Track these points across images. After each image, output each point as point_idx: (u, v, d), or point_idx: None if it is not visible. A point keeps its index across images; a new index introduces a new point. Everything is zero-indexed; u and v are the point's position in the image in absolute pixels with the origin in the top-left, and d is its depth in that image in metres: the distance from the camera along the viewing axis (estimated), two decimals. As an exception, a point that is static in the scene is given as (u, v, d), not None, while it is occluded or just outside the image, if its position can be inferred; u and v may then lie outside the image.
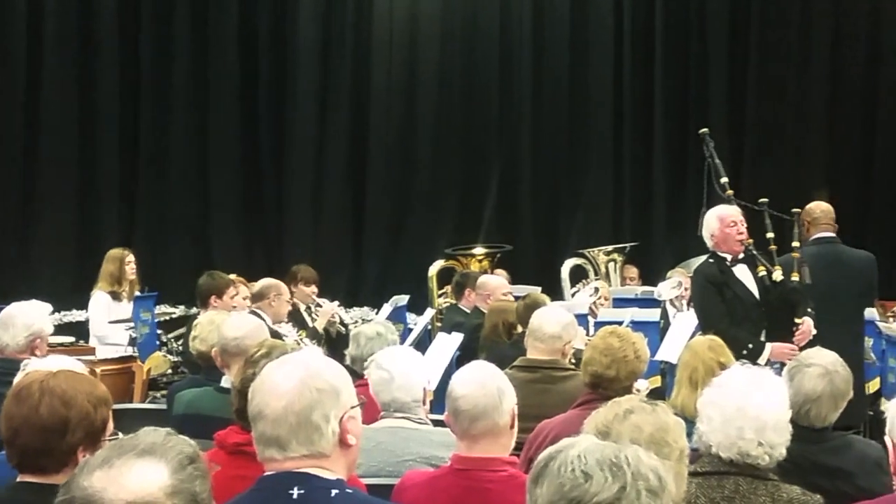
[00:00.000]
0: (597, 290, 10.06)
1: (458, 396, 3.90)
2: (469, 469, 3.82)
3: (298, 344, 6.41)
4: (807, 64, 13.96)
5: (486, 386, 3.86)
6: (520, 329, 7.68)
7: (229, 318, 5.89)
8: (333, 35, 14.00)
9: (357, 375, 5.78)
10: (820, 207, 7.94)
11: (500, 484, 3.74)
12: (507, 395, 3.89)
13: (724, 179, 7.70)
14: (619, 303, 9.74)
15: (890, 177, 13.77)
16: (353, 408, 2.92)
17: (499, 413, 3.84)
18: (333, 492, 2.79)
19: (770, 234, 7.37)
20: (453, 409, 3.91)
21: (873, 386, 8.54)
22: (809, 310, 7.06)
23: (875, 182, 13.83)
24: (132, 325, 9.16)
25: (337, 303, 10.04)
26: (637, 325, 7.92)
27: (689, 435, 3.85)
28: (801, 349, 6.40)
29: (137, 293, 9.76)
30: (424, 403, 4.83)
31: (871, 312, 8.64)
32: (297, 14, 13.88)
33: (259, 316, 7.67)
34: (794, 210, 7.67)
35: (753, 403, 3.82)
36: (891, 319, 9.74)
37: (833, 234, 7.87)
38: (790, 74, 13.95)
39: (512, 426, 3.90)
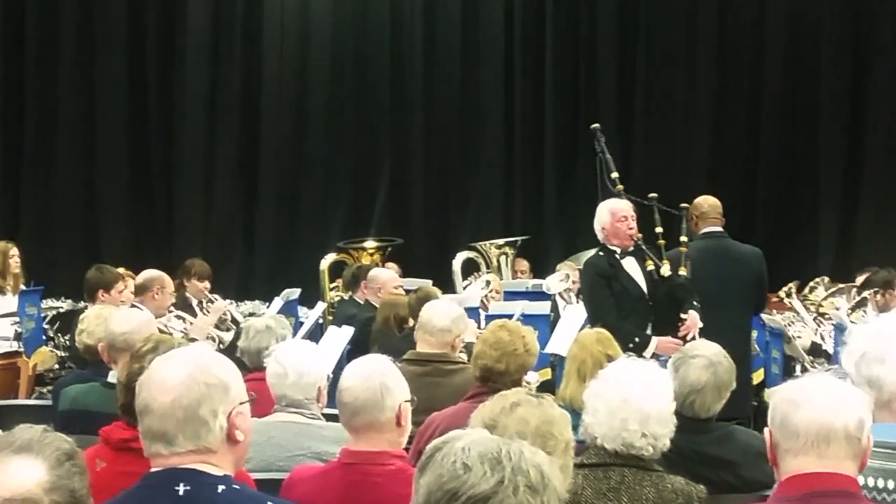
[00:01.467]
0: (488, 283, 10.11)
1: (342, 389, 3.90)
2: (357, 463, 3.81)
3: (185, 338, 6.35)
4: (694, 63, 14.17)
5: (370, 380, 3.84)
6: (411, 322, 7.68)
7: (117, 313, 5.81)
8: (223, 28, 13.90)
9: (247, 369, 5.76)
10: (708, 202, 8.04)
11: (388, 477, 3.73)
12: (391, 392, 3.85)
13: (615, 174, 7.79)
14: (510, 296, 9.77)
15: (773, 174, 14.04)
16: (241, 403, 2.89)
17: (379, 409, 3.81)
18: (220, 488, 2.77)
19: (659, 229, 7.47)
20: (338, 400, 3.91)
21: (757, 377, 8.69)
22: (695, 304, 7.16)
23: (759, 179, 14.08)
24: (17, 319, 8.99)
25: (229, 301, 9.95)
26: (527, 319, 7.95)
27: (577, 427, 3.90)
28: (687, 342, 6.49)
29: (23, 287, 9.57)
30: (319, 400, 4.82)
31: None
32: (185, 7, 13.74)
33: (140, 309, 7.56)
34: (682, 205, 7.77)
35: (637, 395, 3.86)
36: (773, 310, 9.92)
37: (721, 229, 7.98)
38: (678, 71, 14.15)
39: (400, 423, 3.88)
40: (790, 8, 14.07)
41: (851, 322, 7.88)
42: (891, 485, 3.11)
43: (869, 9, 13.92)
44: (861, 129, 13.88)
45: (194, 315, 9.42)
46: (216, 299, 9.73)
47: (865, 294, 8.52)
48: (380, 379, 3.86)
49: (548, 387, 6.93)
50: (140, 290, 8.72)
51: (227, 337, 9.21)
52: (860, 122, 13.89)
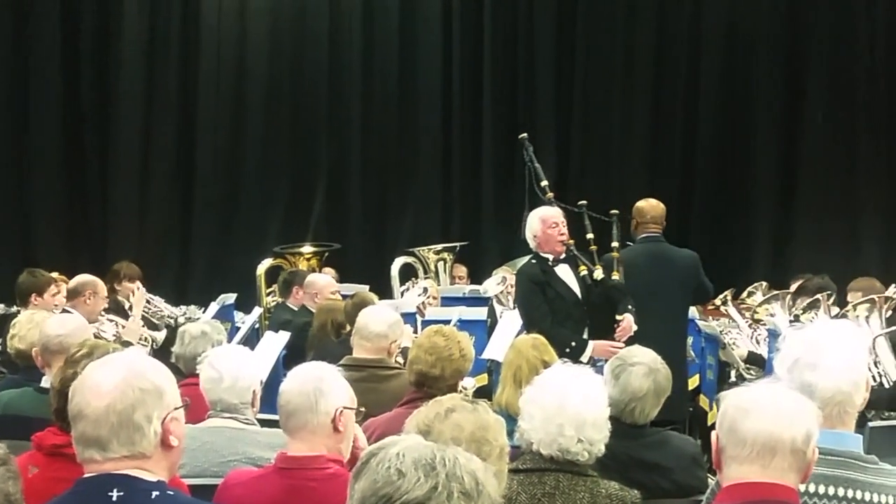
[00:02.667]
0: (426, 290, 10.10)
1: (280, 391, 3.91)
2: (292, 468, 3.80)
3: (118, 342, 6.30)
4: (631, 72, 14.28)
5: (305, 385, 3.85)
6: (348, 328, 7.66)
7: (52, 317, 5.76)
8: (159, 31, 13.82)
9: (182, 374, 5.72)
10: (650, 206, 8.12)
11: (323, 482, 3.73)
12: (326, 397, 3.85)
13: (544, 182, 7.82)
14: (448, 301, 9.78)
15: (709, 182, 14.17)
16: (176, 409, 2.88)
17: (312, 412, 3.81)
18: (154, 494, 2.75)
19: (590, 235, 7.52)
20: (278, 402, 3.91)
21: (692, 383, 8.76)
22: (630, 306, 7.20)
23: (695, 186, 14.21)
24: (-52, 324, 8.88)
25: (144, 291, 9.85)
26: (464, 324, 7.97)
27: (513, 433, 3.92)
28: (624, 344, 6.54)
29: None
30: (254, 405, 4.80)
31: (691, 311, 8.86)
32: (121, 9, 13.64)
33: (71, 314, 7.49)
34: (613, 212, 7.82)
35: (573, 401, 3.88)
36: (709, 317, 9.99)
37: (659, 234, 8.06)
38: (615, 80, 14.25)
39: (337, 430, 3.87)
40: (726, 17, 14.22)
41: (801, 323, 7.94)
42: (822, 489, 3.14)
43: (803, 19, 14.09)
44: (795, 137, 14.04)
45: (128, 318, 9.33)
46: (136, 290, 9.56)
47: (819, 296, 8.58)
48: (315, 384, 3.85)
49: (485, 392, 6.93)
50: (72, 295, 8.63)
51: (160, 336, 9.15)
52: (794, 130, 14.05)
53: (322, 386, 3.86)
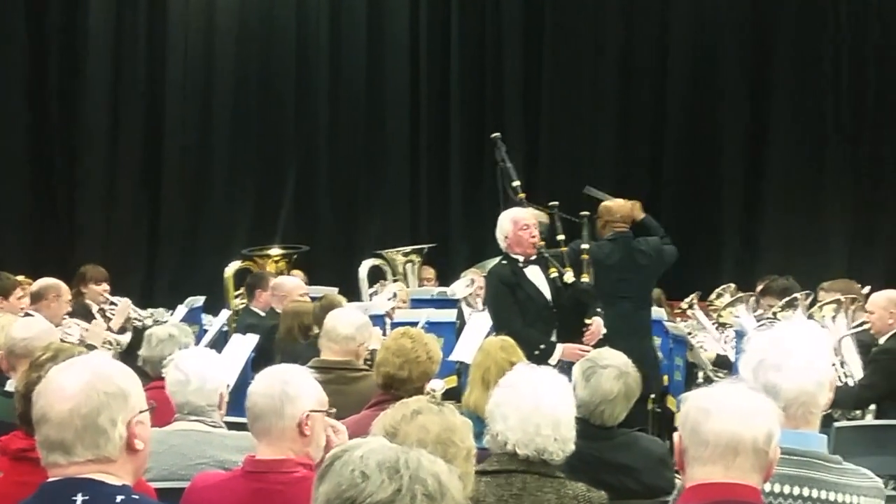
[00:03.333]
0: (395, 294, 10.08)
1: (248, 393, 3.89)
2: (260, 471, 3.78)
3: (83, 345, 6.26)
4: (598, 73, 14.32)
5: (271, 388, 3.82)
6: (316, 330, 7.65)
7: (17, 320, 5.73)
8: (126, 32, 13.77)
9: (148, 377, 5.70)
10: (618, 205, 8.17)
11: (291, 486, 3.71)
12: (292, 401, 3.81)
13: (517, 183, 7.81)
14: (416, 304, 9.78)
15: (677, 182, 14.22)
16: (141, 412, 2.86)
17: (278, 416, 3.78)
18: (119, 498, 2.73)
19: (561, 237, 7.52)
20: (245, 404, 3.90)
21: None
22: (598, 310, 7.21)
23: (663, 188, 14.25)
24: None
25: (128, 300, 9.83)
26: (433, 326, 7.99)
27: (481, 434, 3.91)
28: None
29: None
30: (221, 408, 4.78)
31: (659, 312, 8.90)
32: (87, 8, 13.58)
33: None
34: (583, 213, 7.83)
35: (547, 401, 3.89)
36: (677, 319, 10.03)
37: (628, 231, 8.12)
38: (583, 83, 14.29)
39: (304, 434, 3.86)
40: (693, 20, 14.28)
41: (777, 321, 7.98)
42: (786, 489, 3.16)
43: (769, 18, 14.17)
44: (762, 139, 14.11)
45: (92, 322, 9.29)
46: (118, 301, 9.60)
47: (797, 295, 8.64)
48: (281, 387, 3.82)
49: (454, 394, 6.92)
50: (35, 298, 8.58)
51: (125, 339, 9.11)
52: (761, 133, 14.13)
53: (288, 390, 3.83)
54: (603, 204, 8.19)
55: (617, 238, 8.06)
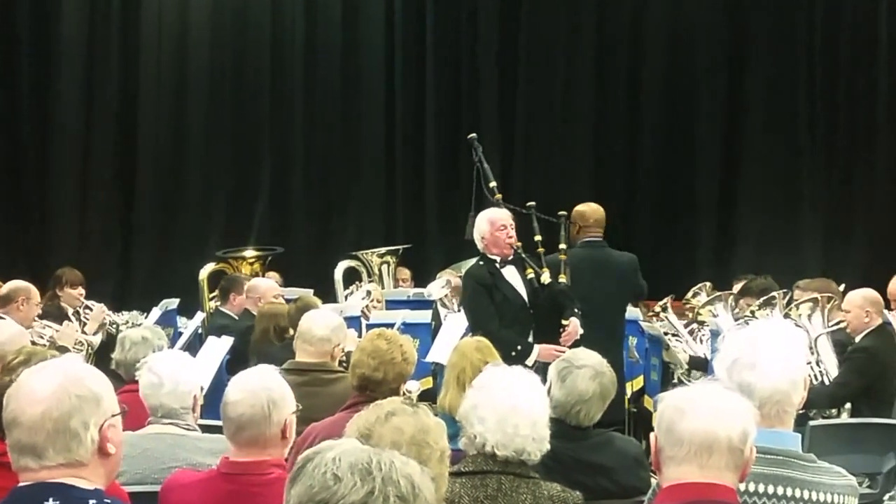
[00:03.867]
0: (369, 293, 10.08)
1: (228, 402, 3.86)
2: (236, 473, 3.79)
3: (54, 347, 6.23)
4: (574, 73, 14.34)
5: (257, 396, 3.82)
6: (291, 332, 7.62)
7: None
8: (98, 33, 13.72)
9: (122, 381, 5.67)
10: (593, 210, 8.11)
11: (266, 487, 3.72)
12: (278, 407, 3.83)
13: (493, 183, 7.80)
14: (392, 305, 9.78)
15: (652, 182, 14.26)
16: (113, 416, 2.84)
17: (267, 424, 3.79)
18: (91, 502, 2.72)
19: (538, 237, 7.51)
20: (223, 413, 3.87)
21: (637, 384, 8.79)
22: (576, 310, 7.20)
23: (638, 187, 14.29)
24: None
25: (104, 306, 9.81)
26: (409, 327, 7.99)
27: (456, 435, 3.90)
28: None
29: None
30: (195, 410, 4.76)
31: (634, 312, 8.89)
32: (59, 8, 13.52)
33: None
34: (560, 213, 7.82)
35: (524, 401, 3.88)
36: (653, 319, 10.04)
37: (601, 238, 8.06)
38: (558, 81, 14.31)
39: (285, 436, 3.85)
40: (668, 17, 14.31)
41: (755, 320, 7.98)
42: (761, 488, 3.16)
43: (744, 14, 14.22)
44: (736, 139, 14.17)
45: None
46: (93, 306, 9.59)
47: (775, 294, 8.65)
48: (267, 394, 3.82)
49: (430, 395, 6.91)
50: (4, 302, 8.54)
51: (96, 340, 9.08)
52: (735, 132, 14.19)
53: (274, 396, 3.84)
54: (576, 209, 8.14)
55: (590, 245, 7.99)
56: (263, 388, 3.86)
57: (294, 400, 3.94)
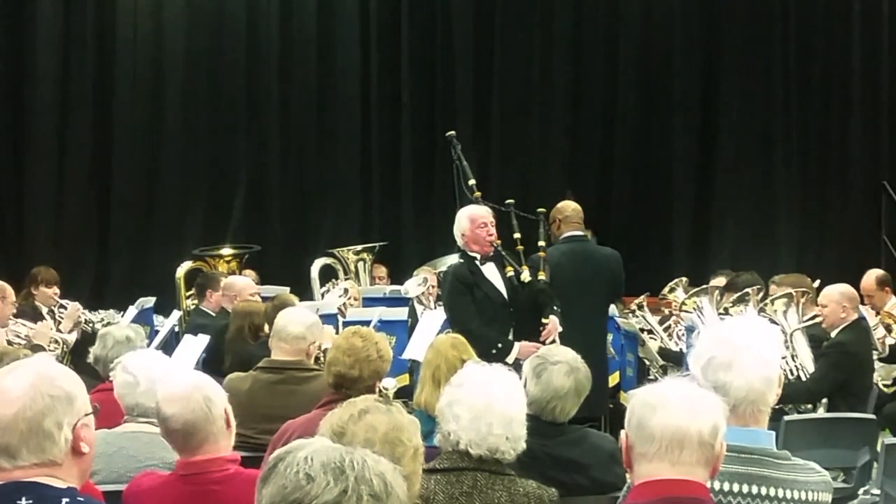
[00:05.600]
0: (346, 290, 10.07)
1: (166, 417, 3.84)
2: (193, 474, 3.80)
3: (29, 346, 6.21)
4: (550, 70, 14.36)
5: (192, 399, 3.80)
6: (267, 330, 7.61)
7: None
8: (74, 26, 13.66)
9: (98, 377, 5.66)
10: (570, 206, 8.09)
11: (224, 484, 3.73)
12: (215, 402, 3.83)
13: (472, 181, 7.81)
14: (369, 302, 9.76)
15: (628, 179, 14.30)
16: (87, 415, 2.84)
17: (211, 421, 3.79)
18: (64, 501, 2.71)
19: (517, 235, 7.50)
20: (164, 429, 3.87)
21: (612, 380, 8.80)
22: (556, 308, 7.21)
23: (615, 184, 14.33)
24: None
25: (78, 304, 9.78)
26: (385, 325, 7.98)
27: (431, 433, 3.90)
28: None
29: None
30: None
31: (610, 308, 8.90)
32: (35, 3, 13.46)
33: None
34: (540, 210, 7.82)
35: (499, 399, 3.88)
36: (629, 315, 10.06)
37: (582, 233, 8.05)
38: (534, 77, 14.32)
39: (229, 425, 3.86)
40: (643, 13, 14.37)
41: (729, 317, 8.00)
42: (735, 487, 3.17)
43: (719, 19, 14.28)
44: (712, 135, 14.23)
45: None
46: (67, 305, 9.57)
47: (748, 290, 8.67)
48: (201, 393, 3.82)
49: (406, 392, 6.91)
50: (-23, 301, 8.53)
51: (71, 338, 9.07)
52: (711, 127, 14.26)
53: (207, 393, 3.84)
54: (557, 206, 8.13)
55: (572, 240, 7.97)
56: (194, 388, 3.86)
57: (219, 386, 3.94)
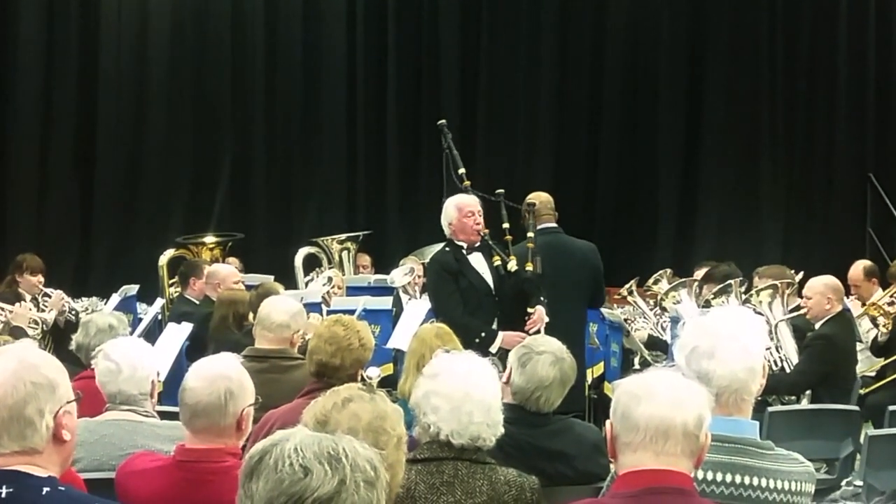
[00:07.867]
0: (330, 279, 10.06)
1: (186, 388, 3.84)
2: (190, 461, 3.77)
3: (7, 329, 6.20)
4: (537, 61, 14.35)
5: (214, 384, 3.79)
6: (252, 318, 7.59)
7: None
8: (58, 21, 13.62)
9: (80, 364, 5.64)
10: (540, 198, 7.95)
11: (220, 475, 3.70)
12: (236, 398, 3.81)
13: (462, 170, 7.78)
14: (353, 291, 9.76)
15: (612, 170, 14.32)
16: (68, 402, 2.83)
17: (221, 414, 3.77)
18: (45, 489, 2.70)
19: (506, 225, 7.47)
20: (180, 397, 3.85)
21: (597, 370, 8.80)
22: (542, 299, 7.19)
23: (599, 175, 14.34)
24: None
25: (62, 292, 9.76)
26: (369, 314, 7.97)
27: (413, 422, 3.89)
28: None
29: None
30: (153, 396, 4.74)
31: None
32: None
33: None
34: (529, 200, 7.76)
35: (476, 387, 3.87)
36: (614, 305, 10.07)
37: (556, 224, 7.97)
38: (520, 68, 14.32)
39: (240, 428, 3.84)
40: (630, 7, 14.38)
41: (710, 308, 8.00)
42: (719, 477, 3.17)
43: (704, 12, 14.31)
44: (697, 126, 14.26)
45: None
46: (51, 293, 9.56)
47: (731, 282, 8.69)
48: (226, 384, 3.80)
49: (390, 381, 6.91)
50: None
51: (50, 317, 9.06)
52: (696, 119, 14.29)
53: (232, 387, 3.81)
54: (527, 198, 7.99)
55: (546, 231, 7.81)
56: (222, 377, 3.83)
57: (253, 392, 3.92)
